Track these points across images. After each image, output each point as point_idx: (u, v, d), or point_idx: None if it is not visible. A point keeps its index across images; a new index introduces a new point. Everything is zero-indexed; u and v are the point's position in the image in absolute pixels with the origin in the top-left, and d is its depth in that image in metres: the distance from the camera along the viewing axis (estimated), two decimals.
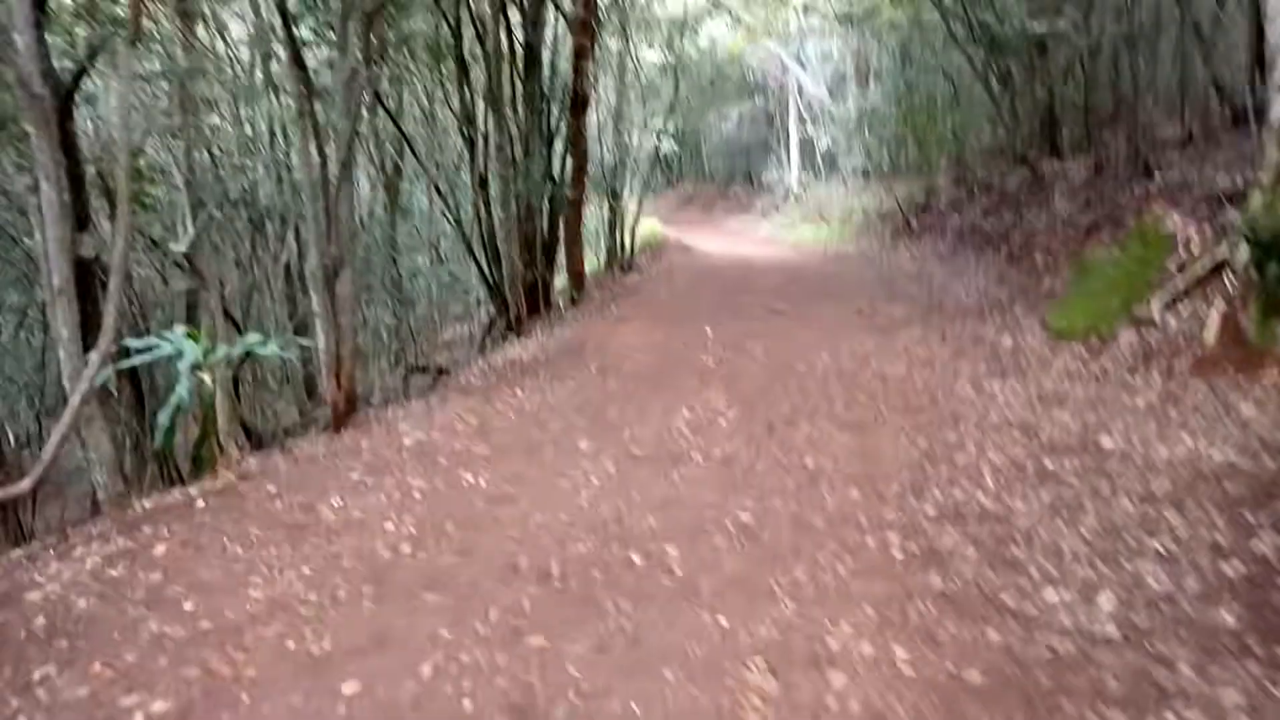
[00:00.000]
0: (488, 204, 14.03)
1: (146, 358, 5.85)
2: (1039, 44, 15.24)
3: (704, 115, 24.37)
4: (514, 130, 13.64)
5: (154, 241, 10.86)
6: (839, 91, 23.97)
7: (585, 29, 14.07)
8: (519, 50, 13.82)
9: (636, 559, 4.20)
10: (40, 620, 3.84)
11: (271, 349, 6.03)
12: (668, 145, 22.39)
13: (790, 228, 24.09)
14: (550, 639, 3.42)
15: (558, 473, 5.55)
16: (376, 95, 13.11)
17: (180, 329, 6.11)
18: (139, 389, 9.25)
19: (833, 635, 3.36)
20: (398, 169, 15.92)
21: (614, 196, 16.87)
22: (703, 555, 4.20)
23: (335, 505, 5.14)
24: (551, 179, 14.73)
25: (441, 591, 3.91)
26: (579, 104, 13.89)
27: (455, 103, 14.48)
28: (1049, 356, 7.71)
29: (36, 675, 3.36)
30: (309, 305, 8.86)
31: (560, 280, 16.00)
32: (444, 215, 15.27)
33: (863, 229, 20.54)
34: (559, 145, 14.88)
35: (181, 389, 5.42)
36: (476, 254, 14.09)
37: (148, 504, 5.52)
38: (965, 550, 4.07)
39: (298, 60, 7.60)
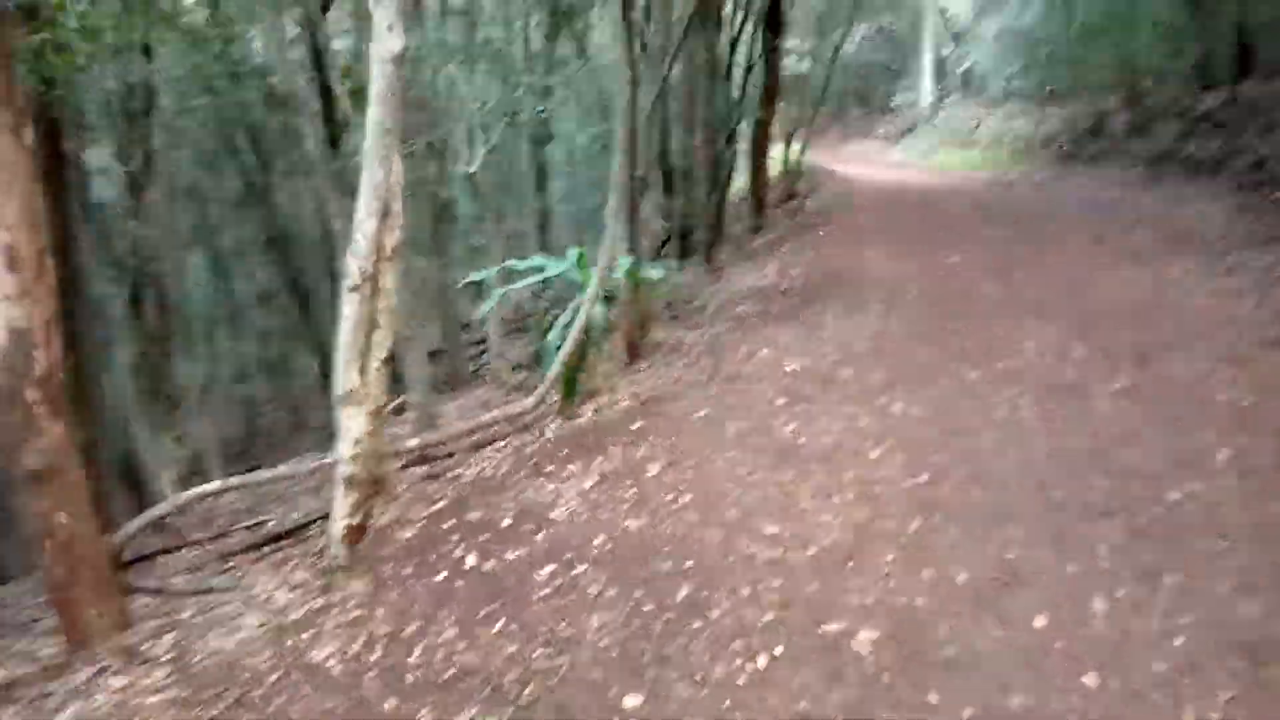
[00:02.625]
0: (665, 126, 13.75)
1: (533, 279, 5.81)
2: None
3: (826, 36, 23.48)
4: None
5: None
6: (984, 8, 22.97)
7: None
8: None
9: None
10: None
11: (658, 273, 5.96)
12: (805, 66, 21.68)
13: (928, 153, 23.41)
14: None
15: (974, 404, 5.43)
16: None
17: (572, 251, 6.05)
18: None
19: None
20: None
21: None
22: None
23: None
24: (731, 100, 14.39)
25: None
26: (776, 20, 13.42)
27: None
28: None
29: None
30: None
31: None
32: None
33: (1019, 154, 19.84)
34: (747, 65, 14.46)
35: (583, 314, 5.37)
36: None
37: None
38: None
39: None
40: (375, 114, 4.02)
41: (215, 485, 4.84)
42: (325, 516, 6.07)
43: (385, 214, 4.17)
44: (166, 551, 7.31)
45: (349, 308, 4.17)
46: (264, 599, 4.34)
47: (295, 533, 6.12)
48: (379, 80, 3.98)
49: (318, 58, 8.75)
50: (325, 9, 8.74)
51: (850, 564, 3.58)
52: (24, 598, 7.86)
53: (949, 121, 24.31)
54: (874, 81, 30.13)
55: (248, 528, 7.18)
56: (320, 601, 4.10)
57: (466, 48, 10.05)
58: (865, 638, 3.10)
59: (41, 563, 4.20)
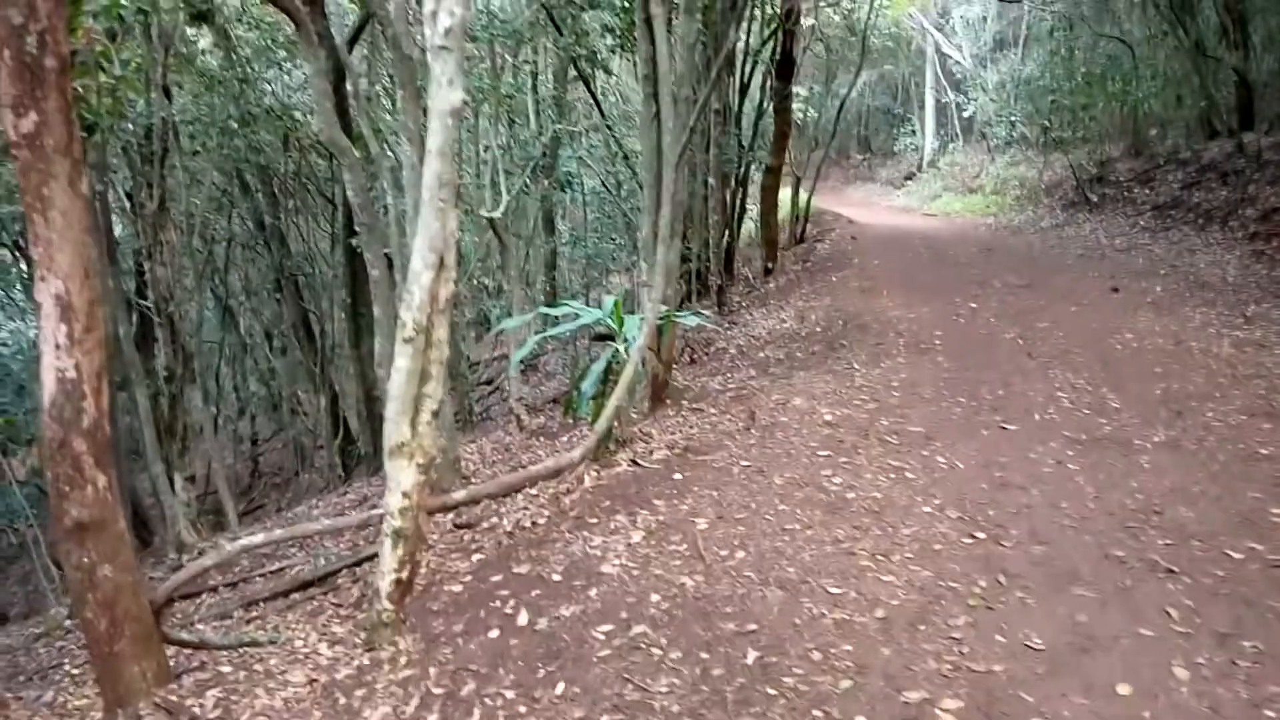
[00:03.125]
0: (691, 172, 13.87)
1: (571, 327, 5.78)
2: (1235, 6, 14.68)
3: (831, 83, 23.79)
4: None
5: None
6: (986, 57, 23.28)
7: None
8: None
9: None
10: None
11: (693, 320, 5.93)
12: (812, 113, 21.93)
13: (932, 198, 23.59)
14: None
15: (1017, 456, 5.39)
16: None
17: (609, 299, 6.02)
18: None
19: None
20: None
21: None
22: None
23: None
24: (742, 146, 14.49)
25: None
26: (787, 66, 13.56)
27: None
28: None
29: None
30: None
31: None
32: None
33: (1024, 200, 20.00)
34: (755, 110, 14.61)
35: (633, 363, 5.33)
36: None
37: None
38: None
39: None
40: (434, 166, 3.99)
41: (260, 538, 4.72)
42: (355, 564, 6.01)
43: (440, 266, 4.14)
44: (186, 597, 7.20)
45: (403, 360, 4.12)
46: (306, 654, 4.24)
47: (323, 580, 6.03)
48: (439, 134, 3.96)
49: (341, 101, 8.79)
50: (351, 45, 8.78)
51: (921, 628, 3.51)
52: (33, 643, 7.72)
53: (952, 167, 24.54)
54: (876, 126, 30.47)
55: (272, 573, 7.08)
56: (367, 659, 4.00)
57: (490, 92, 10.11)
58: (949, 706, 3.02)
59: (81, 615, 4.10)
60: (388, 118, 12.46)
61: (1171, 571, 3.94)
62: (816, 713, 3.04)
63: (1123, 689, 3.11)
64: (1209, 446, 5.48)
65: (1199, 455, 5.35)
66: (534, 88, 14.04)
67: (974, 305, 9.99)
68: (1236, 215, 12.94)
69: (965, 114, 24.16)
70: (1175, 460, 5.27)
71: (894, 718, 3.00)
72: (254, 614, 6.10)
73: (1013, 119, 21.76)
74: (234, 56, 11.92)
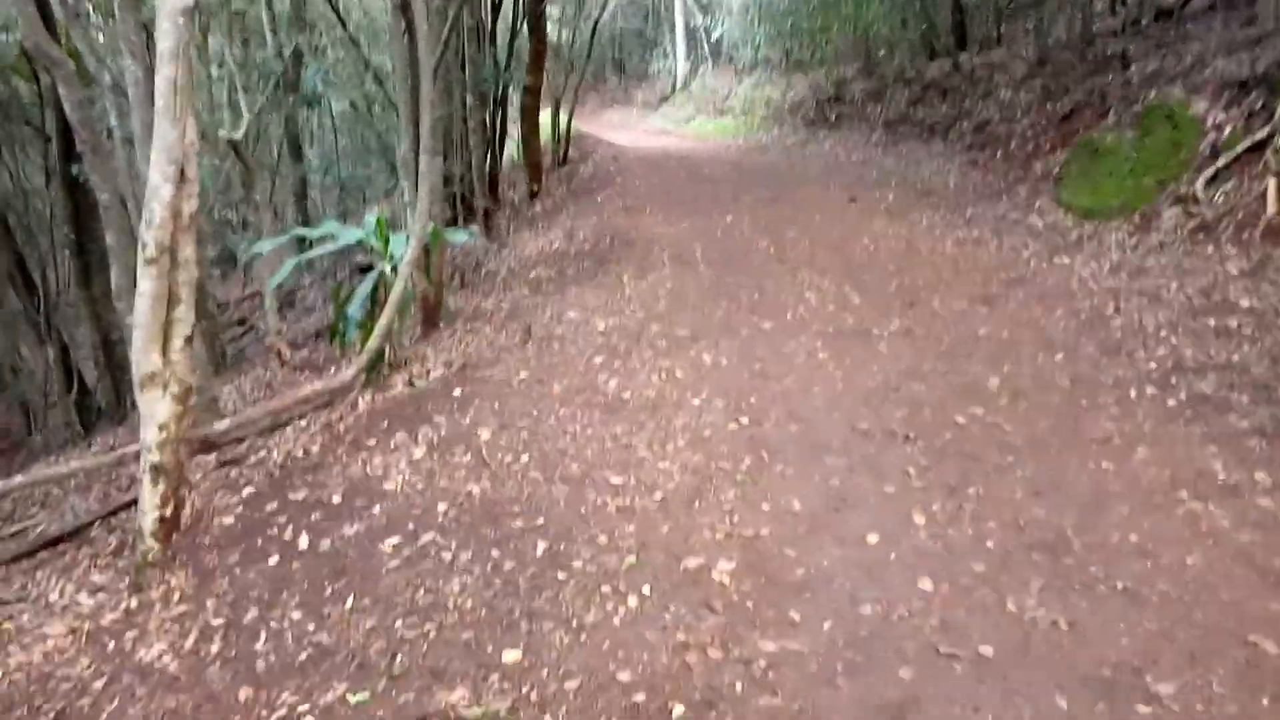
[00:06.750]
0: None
1: (330, 248, 5.52)
2: None
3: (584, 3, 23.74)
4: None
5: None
6: None
7: None
8: None
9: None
10: None
11: (462, 236, 5.82)
12: (565, 34, 21.77)
13: (686, 120, 24.19)
14: None
15: (773, 350, 5.77)
16: None
17: (370, 216, 5.77)
18: None
19: None
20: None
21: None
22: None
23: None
24: (498, 65, 14.22)
25: None
26: None
27: None
28: (1093, 233, 8.48)
29: None
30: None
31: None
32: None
33: (770, 120, 20.96)
34: (509, 29, 14.34)
35: (401, 282, 5.21)
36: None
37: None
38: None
39: None
40: (167, 71, 3.68)
41: None
42: (110, 514, 5.58)
43: (181, 179, 3.85)
44: None
45: (147, 283, 3.83)
46: (64, 606, 3.94)
47: (74, 535, 5.56)
48: (170, 35, 3.65)
49: (45, 9, 7.79)
50: None
51: (696, 505, 3.76)
52: None
53: (704, 89, 25.23)
54: (630, 49, 30.70)
55: (12, 535, 6.43)
56: (135, 601, 3.77)
57: (221, 7, 9.28)
58: (724, 568, 3.28)
59: None
60: (100, 38, 11.19)
61: (908, 438, 4.42)
62: (605, 588, 3.21)
63: (871, 538, 3.49)
64: (936, 331, 6.11)
65: (928, 339, 5.96)
66: (268, 3, 13.04)
67: (729, 219, 10.45)
68: (955, 128, 14.22)
69: (714, 37, 24.83)
70: (908, 344, 5.85)
71: (675, 584, 3.22)
72: None
73: (757, 41, 22.61)
74: None
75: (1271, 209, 7.25)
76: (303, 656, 3.17)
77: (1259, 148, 7.79)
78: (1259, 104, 8.10)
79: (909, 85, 17.42)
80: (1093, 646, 2.82)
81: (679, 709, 2.63)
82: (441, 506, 3.97)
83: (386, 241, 5.70)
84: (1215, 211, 7.74)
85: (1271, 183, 7.37)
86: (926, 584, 3.16)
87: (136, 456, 4.18)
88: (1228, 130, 8.19)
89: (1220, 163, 7.99)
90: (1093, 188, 9.26)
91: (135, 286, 3.92)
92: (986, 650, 2.81)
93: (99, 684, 3.20)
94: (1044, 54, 13.59)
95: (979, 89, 14.53)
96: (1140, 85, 10.02)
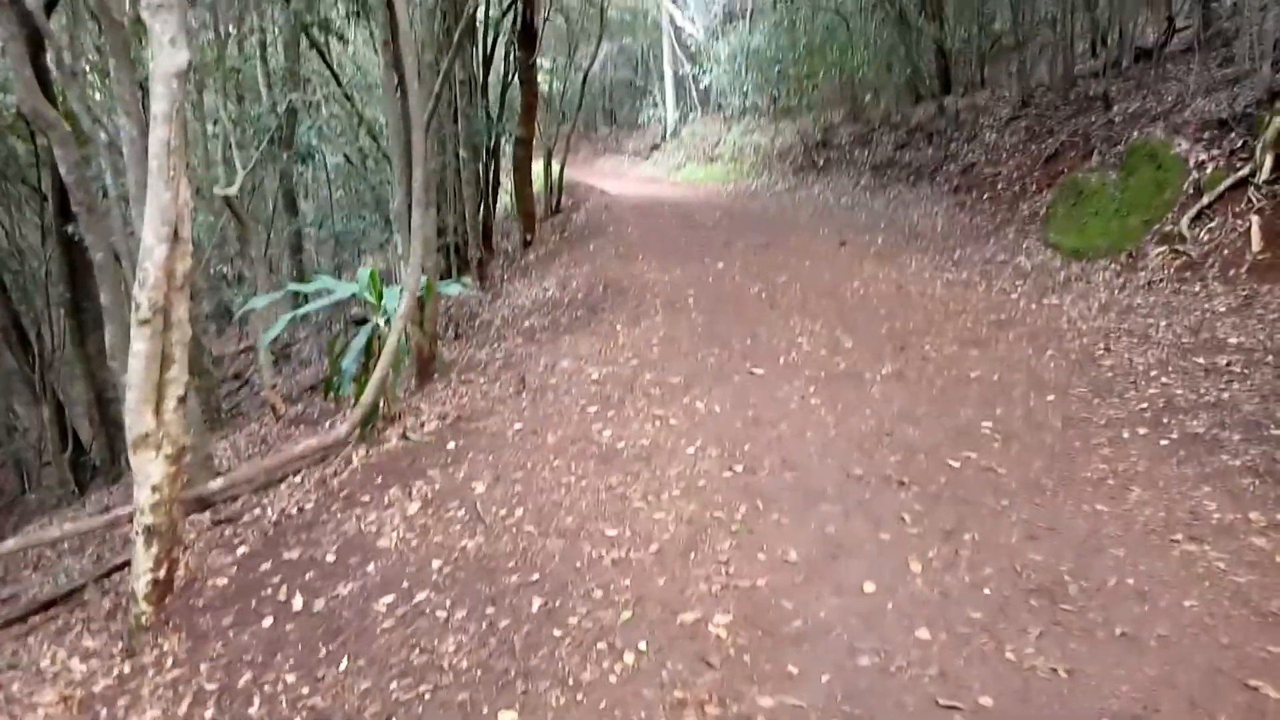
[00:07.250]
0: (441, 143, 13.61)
1: (325, 303, 5.55)
2: None
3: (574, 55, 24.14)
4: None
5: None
6: (718, 29, 24.35)
7: None
8: None
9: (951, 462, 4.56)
10: None
11: (455, 288, 5.85)
12: (556, 85, 22.09)
13: (676, 168, 24.47)
14: None
15: (766, 396, 5.79)
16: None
17: (364, 270, 5.81)
18: None
19: None
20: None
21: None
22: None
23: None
24: (490, 117, 14.41)
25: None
26: (529, 37, 13.59)
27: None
28: (1081, 273, 8.56)
29: None
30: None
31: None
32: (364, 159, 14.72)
33: (759, 166, 21.20)
34: (501, 81, 14.54)
35: (395, 336, 5.23)
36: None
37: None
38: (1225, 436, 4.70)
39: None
40: (160, 133, 3.73)
41: None
42: (104, 576, 5.54)
43: (175, 239, 3.88)
44: None
45: (140, 344, 3.84)
46: (55, 673, 3.89)
47: (67, 598, 5.51)
48: (164, 98, 3.70)
49: (42, 73, 7.90)
50: (49, 11, 7.91)
51: (692, 555, 3.74)
52: None
53: (694, 137, 25.55)
54: (620, 99, 31.12)
55: (3, 601, 6.37)
56: (127, 666, 3.73)
57: (216, 64, 9.42)
58: (720, 621, 3.26)
59: None
60: (97, 96, 11.33)
61: (902, 483, 4.41)
62: (601, 645, 3.18)
63: (868, 587, 3.47)
64: (928, 374, 6.14)
65: (920, 382, 5.98)
66: (263, 59, 13.22)
67: (721, 265, 10.53)
68: (942, 171, 14.41)
69: (702, 85, 25.19)
70: (900, 388, 5.87)
71: (672, 638, 3.19)
72: None
73: (745, 89, 22.95)
74: None
75: (1256, 246, 7.33)
76: None
77: (1241, 185, 7.90)
78: (1239, 143, 8.23)
79: (895, 129, 17.67)
80: (1093, 694, 2.80)
81: None
82: (436, 563, 3.95)
83: (380, 295, 5.73)
84: (1201, 250, 7.82)
85: (1255, 220, 7.47)
86: (924, 633, 3.14)
87: (130, 517, 4.16)
88: (1210, 169, 8.30)
89: (1204, 201, 8.09)
90: (1079, 228, 9.36)
91: (129, 345, 3.94)
92: (986, 701, 2.79)
93: None
94: (1027, 96, 13.81)
95: (964, 132, 14.74)
96: (1123, 126, 10.18)
